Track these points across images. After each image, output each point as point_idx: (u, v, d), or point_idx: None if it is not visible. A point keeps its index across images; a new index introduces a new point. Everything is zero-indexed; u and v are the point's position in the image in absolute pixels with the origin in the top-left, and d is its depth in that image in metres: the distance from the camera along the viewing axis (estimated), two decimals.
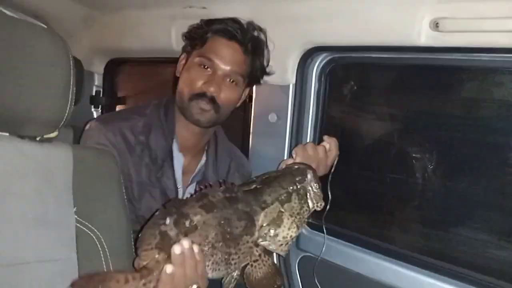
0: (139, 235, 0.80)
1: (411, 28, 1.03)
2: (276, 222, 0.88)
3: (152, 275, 0.77)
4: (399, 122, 1.36)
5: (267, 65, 1.26)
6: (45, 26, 0.83)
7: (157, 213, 0.81)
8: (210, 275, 0.83)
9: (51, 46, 0.80)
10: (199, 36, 1.20)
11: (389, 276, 1.18)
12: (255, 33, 1.22)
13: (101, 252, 0.87)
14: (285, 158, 1.36)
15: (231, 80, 1.18)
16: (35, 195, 0.82)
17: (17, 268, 0.76)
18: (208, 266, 0.81)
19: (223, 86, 1.16)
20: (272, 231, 0.88)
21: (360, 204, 1.44)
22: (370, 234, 1.32)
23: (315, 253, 1.32)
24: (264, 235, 0.88)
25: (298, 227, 0.91)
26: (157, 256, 0.78)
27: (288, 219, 0.89)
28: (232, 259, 0.84)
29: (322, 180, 1.03)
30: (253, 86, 1.31)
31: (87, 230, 0.86)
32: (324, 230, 1.19)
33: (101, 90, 2.04)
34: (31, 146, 0.83)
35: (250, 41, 1.19)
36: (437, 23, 0.98)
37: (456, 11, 0.94)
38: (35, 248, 0.79)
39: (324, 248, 1.23)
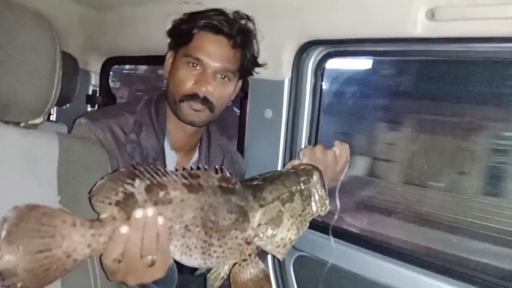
0: (97, 183, 0.74)
1: (407, 18, 1.01)
2: (275, 221, 0.83)
3: (103, 229, 0.72)
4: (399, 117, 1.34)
5: (258, 54, 1.21)
6: (32, 9, 0.81)
7: (123, 169, 0.75)
8: (177, 257, 0.78)
9: (37, 30, 0.79)
10: (184, 33, 1.14)
11: (390, 278, 1.12)
12: (243, 23, 1.17)
13: None
14: (280, 154, 1.34)
15: (222, 76, 1.13)
16: (17, 182, 0.79)
17: None
18: (176, 246, 0.76)
19: (214, 84, 1.12)
20: (270, 231, 0.82)
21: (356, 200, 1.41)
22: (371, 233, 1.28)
23: (310, 252, 1.29)
24: (261, 234, 0.82)
25: (298, 230, 0.85)
26: (115, 213, 0.72)
27: (288, 220, 0.84)
28: (214, 251, 0.79)
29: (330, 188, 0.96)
30: (245, 77, 1.26)
31: None
32: (332, 240, 1.11)
33: (98, 89, 2.03)
34: (15, 132, 0.81)
35: (238, 33, 1.13)
36: (433, 13, 0.96)
37: None
38: None
39: (332, 256, 1.15)
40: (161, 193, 0.75)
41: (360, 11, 1.11)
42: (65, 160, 0.86)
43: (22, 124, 0.83)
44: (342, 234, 1.22)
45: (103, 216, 0.73)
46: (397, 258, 1.13)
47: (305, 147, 1.13)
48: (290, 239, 0.84)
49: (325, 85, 1.32)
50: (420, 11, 0.99)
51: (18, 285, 0.67)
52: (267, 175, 0.89)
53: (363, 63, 1.35)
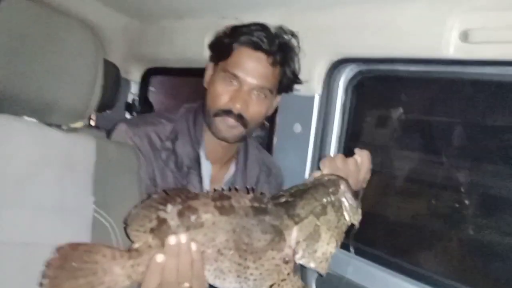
0: (131, 212, 0.76)
1: (440, 39, 1.01)
2: (314, 236, 0.81)
3: (141, 257, 0.73)
4: (430, 138, 1.33)
5: (299, 71, 1.19)
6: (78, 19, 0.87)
7: (155, 195, 0.77)
8: (211, 281, 0.77)
9: (82, 40, 0.85)
10: (223, 47, 1.13)
11: None
12: (286, 38, 1.15)
13: (114, 242, 0.88)
14: (307, 169, 1.35)
15: (259, 93, 1.11)
16: (55, 182, 0.84)
17: (32, 248, 0.78)
18: (209, 271, 0.76)
19: (250, 101, 1.11)
20: (310, 247, 0.81)
21: (387, 223, 1.40)
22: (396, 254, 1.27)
23: (333, 270, 1.28)
24: (302, 252, 0.81)
25: (337, 242, 0.83)
26: (150, 240, 0.74)
27: (326, 233, 0.82)
28: (251, 274, 0.77)
29: None
30: (285, 93, 1.23)
31: (103, 220, 0.88)
32: (352, 250, 1.10)
33: (137, 98, 2.12)
34: (56, 134, 0.87)
35: (278, 50, 1.11)
36: (467, 34, 0.95)
37: (486, 21, 0.92)
38: (51, 233, 0.81)
39: (350, 269, 1.17)
40: (193, 217, 0.75)
41: (394, 31, 1.11)
42: (101, 164, 0.90)
43: (63, 127, 0.89)
44: (364, 252, 1.21)
45: (138, 244, 0.74)
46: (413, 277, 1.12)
47: (319, 157, 1.12)
48: (330, 252, 0.82)
49: None
50: (454, 32, 0.99)
51: None
52: (292, 191, 0.87)
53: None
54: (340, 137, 1.32)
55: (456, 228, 1.30)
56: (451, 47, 1.00)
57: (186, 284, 0.74)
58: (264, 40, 1.10)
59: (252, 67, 1.09)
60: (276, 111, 1.41)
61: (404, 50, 1.11)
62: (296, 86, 1.25)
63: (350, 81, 1.30)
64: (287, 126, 1.38)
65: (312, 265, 0.82)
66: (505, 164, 1.11)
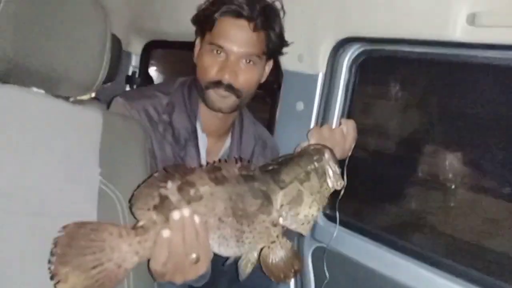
0: (134, 192, 0.79)
1: (447, 21, 1.01)
2: (297, 200, 0.87)
3: (148, 234, 0.75)
4: (428, 120, 1.34)
5: (283, 32, 1.19)
6: None
7: (156, 174, 0.80)
8: (217, 250, 0.81)
9: (90, 11, 0.84)
10: (206, 19, 1.14)
11: (400, 273, 1.16)
12: (267, 1, 1.15)
13: (120, 214, 0.89)
14: None
15: (247, 61, 1.13)
16: (64, 152, 0.85)
17: (41, 218, 0.79)
18: (213, 239, 0.80)
19: (238, 70, 1.12)
20: (293, 210, 0.86)
21: (378, 199, 1.43)
22: (385, 229, 1.31)
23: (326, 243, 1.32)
24: (285, 215, 0.86)
25: (319, 206, 0.89)
26: (154, 217, 0.76)
27: (308, 197, 0.87)
28: (246, 238, 0.82)
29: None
30: (275, 57, 1.25)
31: (109, 191, 0.89)
32: (337, 218, 1.16)
33: (137, 70, 2.11)
34: (64, 105, 0.87)
35: (259, 14, 1.11)
36: (473, 17, 0.95)
37: (494, 4, 0.92)
38: (59, 202, 0.83)
39: (334, 236, 1.21)
40: (192, 191, 0.79)
41: (400, 11, 1.11)
42: (107, 136, 0.91)
43: (71, 99, 0.89)
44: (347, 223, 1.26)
45: (143, 222, 0.77)
46: (404, 252, 1.17)
47: (312, 127, 1.16)
48: (312, 215, 0.88)
49: None
50: (461, 15, 0.98)
51: None
52: (279, 160, 0.93)
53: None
54: (342, 116, 1.33)
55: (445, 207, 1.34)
56: (458, 30, 1.00)
57: (194, 255, 0.77)
58: (245, 6, 1.11)
59: (235, 36, 1.11)
60: (279, 88, 1.42)
61: (410, 31, 1.11)
62: (300, 64, 1.26)
63: (354, 60, 1.30)
64: (289, 104, 1.39)
65: (293, 226, 0.87)
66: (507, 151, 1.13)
